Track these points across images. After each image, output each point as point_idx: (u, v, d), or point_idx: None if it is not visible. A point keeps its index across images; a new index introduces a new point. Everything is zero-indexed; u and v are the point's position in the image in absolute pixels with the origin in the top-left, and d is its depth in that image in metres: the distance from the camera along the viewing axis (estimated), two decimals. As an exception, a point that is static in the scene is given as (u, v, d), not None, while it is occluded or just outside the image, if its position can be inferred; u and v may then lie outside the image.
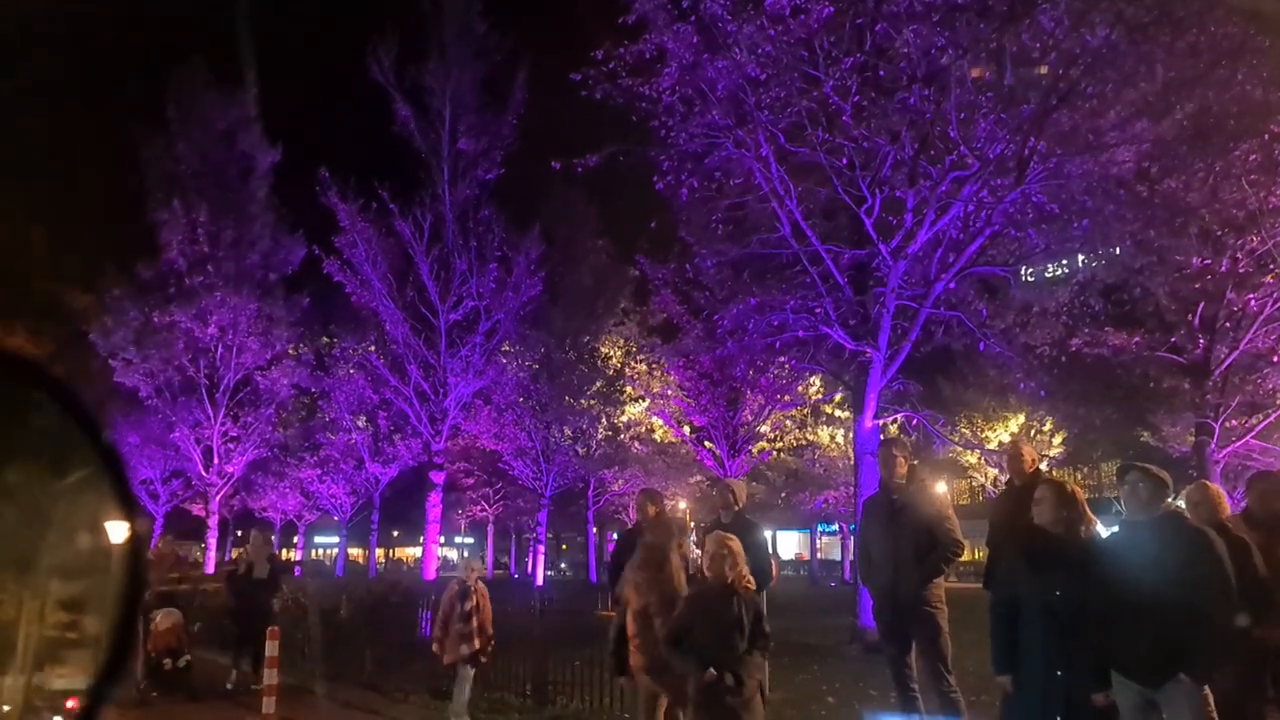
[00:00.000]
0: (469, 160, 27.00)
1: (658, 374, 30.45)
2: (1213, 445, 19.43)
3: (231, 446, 30.97)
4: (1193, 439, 20.86)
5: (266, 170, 31.41)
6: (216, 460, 30.62)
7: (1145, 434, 24.80)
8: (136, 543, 0.93)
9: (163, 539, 12.31)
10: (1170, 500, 4.79)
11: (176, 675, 10.24)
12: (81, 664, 0.99)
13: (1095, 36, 12.14)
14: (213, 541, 32.35)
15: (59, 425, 0.89)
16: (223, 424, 30.42)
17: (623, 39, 13.60)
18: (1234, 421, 20.03)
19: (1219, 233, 16.93)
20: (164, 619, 10.25)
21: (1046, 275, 20.25)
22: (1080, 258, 16.65)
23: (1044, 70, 12.64)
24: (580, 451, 33.94)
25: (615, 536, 35.11)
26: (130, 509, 0.92)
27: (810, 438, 34.49)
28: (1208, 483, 5.79)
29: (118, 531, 0.94)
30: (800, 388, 29.04)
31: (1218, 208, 14.98)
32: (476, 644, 8.62)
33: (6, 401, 0.91)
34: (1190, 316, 19.59)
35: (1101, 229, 13.72)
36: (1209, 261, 17.76)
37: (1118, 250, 15.37)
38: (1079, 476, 41.65)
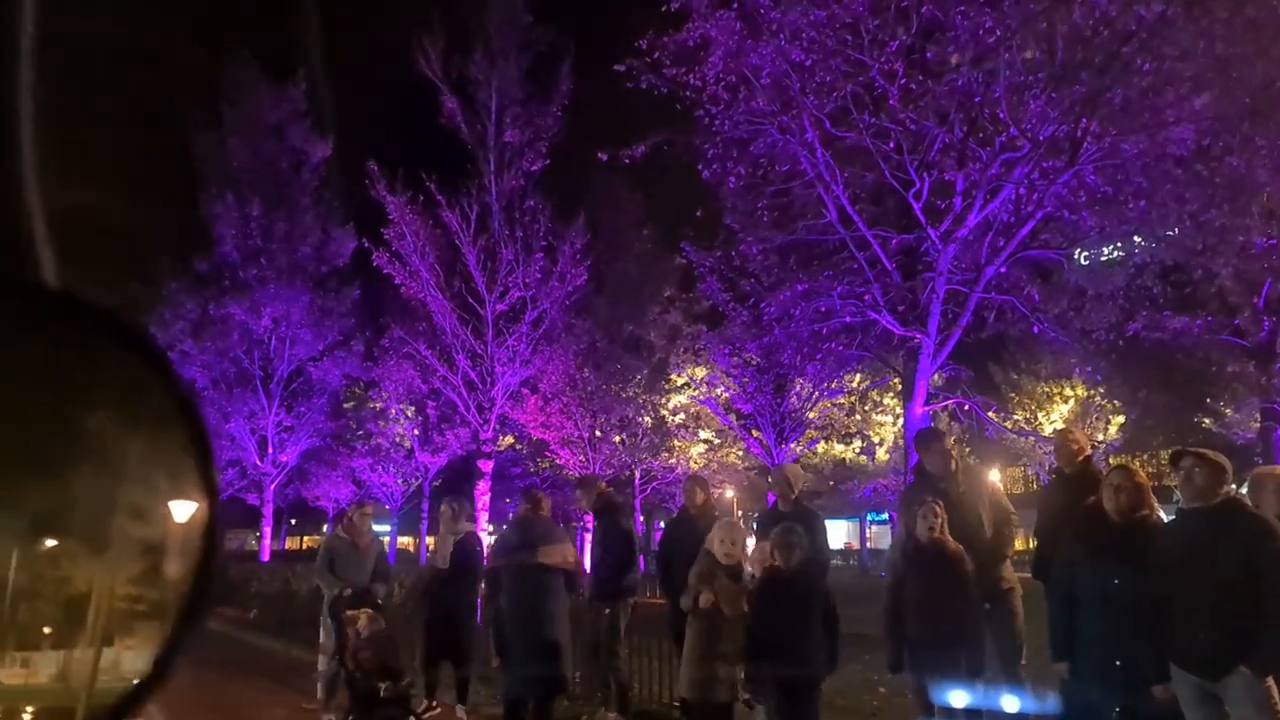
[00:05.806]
0: (515, 151, 27.07)
1: (703, 361, 30.35)
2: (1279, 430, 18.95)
3: (285, 436, 31.58)
4: (1258, 424, 20.35)
5: (317, 164, 31.88)
6: (271, 450, 31.24)
7: (1207, 420, 24.26)
8: (214, 508, 0.94)
9: (356, 509, 9.15)
10: (1230, 488, 4.67)
11: (394, 703, 7.07)
12: (149, 636, 1.00)
13: (1150, 11, 11.82)
14: (268, 530, 33.07)
15: (135, 378, 0.90)
16: (277, 414, 31.03)
17: (666, 28, 13.57)
18: (1302, 406, 19.51)
19: (1285, 210, 16.41)
20: (367, 622, 7.31)
21: (1102, 259, 19.79)
22: (1137, 240, 16.22)
23: (1096, 49, 12.34)
24: (627, 440, 33.97)
25: (662, 525, 35.14)
26: (210, 470, 0.93)
27: (859, 425, 34.17)
28: (1272, 468, 5.64)
29: (196, 497, 0.94)
30: (848, 375, 28.74)
31: (1283, 184, 14.51)
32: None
33: (82, 351, 0.91)
34: (1255, 298, 19.06)
35: (1159, 210, 13.38)
36: (1274, 240, 17.22)
37: (1176, 231, 14.94)
38: (1138, 464, 40.76)
